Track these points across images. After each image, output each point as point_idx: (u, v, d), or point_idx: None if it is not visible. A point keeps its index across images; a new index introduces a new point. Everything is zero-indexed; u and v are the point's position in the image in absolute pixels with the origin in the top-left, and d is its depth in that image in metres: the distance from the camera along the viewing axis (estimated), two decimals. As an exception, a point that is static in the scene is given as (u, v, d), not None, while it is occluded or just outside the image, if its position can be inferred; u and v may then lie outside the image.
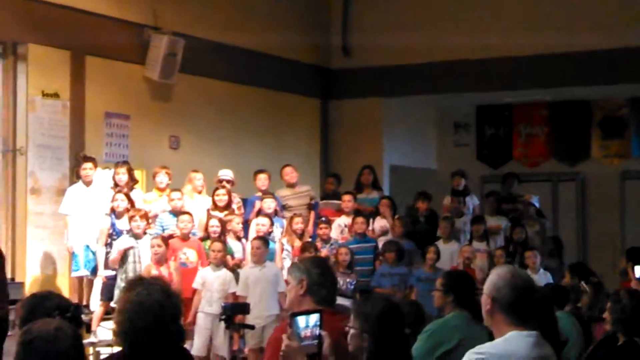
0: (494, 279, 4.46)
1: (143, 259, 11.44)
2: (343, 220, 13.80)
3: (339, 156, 17.69)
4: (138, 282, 4.47)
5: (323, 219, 13.52)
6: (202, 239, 12.24)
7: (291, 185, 13.96)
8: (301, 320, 4.35)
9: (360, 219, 13.50)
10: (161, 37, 13.84)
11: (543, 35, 15.88)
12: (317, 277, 5.27)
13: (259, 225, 12.48)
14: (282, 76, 16.66)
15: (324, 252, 12.71)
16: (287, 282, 5.47)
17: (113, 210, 11.92)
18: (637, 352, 6.53)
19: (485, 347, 4.36)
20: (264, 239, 11.90)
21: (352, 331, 4.81)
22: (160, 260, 11.24)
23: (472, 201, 15.46)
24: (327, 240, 13.14)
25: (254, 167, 14.04)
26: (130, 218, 11.63)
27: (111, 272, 11.63)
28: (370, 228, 13.83)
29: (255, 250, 11.64)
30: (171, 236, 11.95)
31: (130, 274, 11.32)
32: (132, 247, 11.45)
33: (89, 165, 12.11)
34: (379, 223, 14.02)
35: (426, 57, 16.78)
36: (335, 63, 17.96)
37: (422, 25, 16.87)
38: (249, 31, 15.74)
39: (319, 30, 17.73)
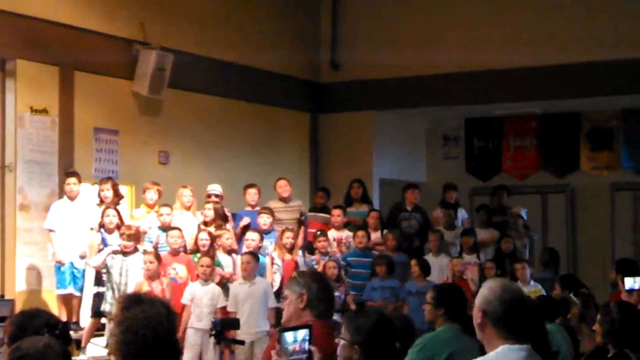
0: (484, 292, 4.45)
1: (130, 274, 11.42)
2: (332, 234, 13.81)
3: (329, 170, 17.71)
4: (138, 299, 4.46)
5: (319, 232, 13.53)
6: (191, 253, 12.23)
7: (284, 199, 13.98)
8: (289, 336, 4.35)
9: (361, 233, 13.55)
10: (150, 52, 13.84)
11: (532, 48, 15.95)
12: (317, 292, 5.34)
13: (249, 240, 12.47)
14: (271, 90, 16.68)
15: (324, 263, 12.72)
16: (285, 297, 5.47)
17: (102, 226, 11.92)
18: (627, 364, 6.54)
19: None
20: (254, 254, 11.90)
21: (342, 342, 4.80)
22: (153, 276, 11.21)
23: (462, 214, 15.52)
24: (325, 253, 13.16)
25: (244, 182, 14.04)
26: (121, 235, 11.61)
27: (102, 289, 11.60)
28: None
29: (245, 265, 11.63)
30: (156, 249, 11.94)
31: (116, 288, 11.32)
32: (113, 252, 11.43)
33: (72, 180, 12.09)
34: (374, 236, 14.07)
35: (415, 71, 16.83)
36: (325, 77, 17.99)
37: (410, 40, 16.92)
38: (238, 46, 15.78)
39: (308, 45, 17.76)
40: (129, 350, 4.23)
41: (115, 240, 11.74)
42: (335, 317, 9.33)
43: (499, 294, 4.40)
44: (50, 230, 12.03)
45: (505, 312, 4.35)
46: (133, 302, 4.38)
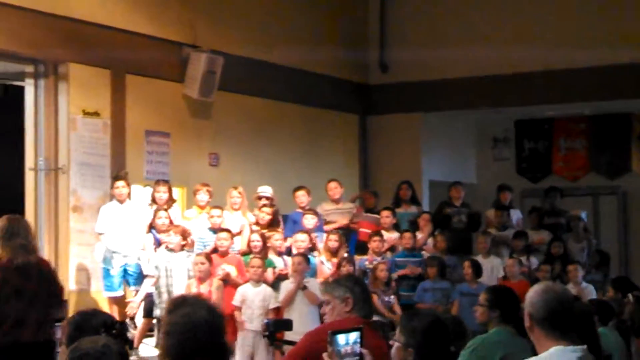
0: (530, 295, 4.51)
1: (175, 274, 11.52)
2: (384, 235, 13.85)
3: (378, 172, 17.69)
4: (182, 302, 4.50)
5: (374, 232, 13.56)
6: (244, 254, 12.29)
7: (335, 201, 14.02)
8: (341, 338, 4.34)
9: (408, 234, 13.59)
10: (200, 55, 13.91)
11: (582, 48, 15.82)
12: (361, 294, 5.39)
13: (297, 242, 12.50)
14: (320, 92, 16.69)
15: (375, 265, 12.73)
16: (327, 302, 5.51)
17: (152, 227, 12.05)
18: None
19: None
20: (305, 256, 11.92)
21: (396, 344, 4.81)
22: (203, 278, 11.28)
23: (516, 215, 15.46)
24: (379, 253, 13.18)
25: (293, 184, 14.08)
26: (167, 233, 11.72)
27: (153, 289, 11.72)
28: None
29: (296, 267, 11.66)
30: (215, 250, 12.02)
31: (163, 289, 11.43)
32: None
33: (121, 183, 12.18)
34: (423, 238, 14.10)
35: (464, 72, 16.77)
36: (374, 79, 17.97)
37: (459, 40, 16.86)
38: (287, 48, 15.80)
39: (356, 46, 17.75)
40: (172, 354, 4.28)
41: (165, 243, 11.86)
42: (376, 317, 9.35)
43: (542, 295, 4.46)
44: (100, 234, 12.14)
45: (549, 312, 4.39)
46: (176, 306, 4.42)
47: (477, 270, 12.87)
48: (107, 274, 12.08)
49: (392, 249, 13.76)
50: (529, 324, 4.45)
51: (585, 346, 4.37)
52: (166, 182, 12.71)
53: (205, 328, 4.18)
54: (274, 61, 15.55)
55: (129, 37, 13.33)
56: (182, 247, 11.77)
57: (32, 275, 8.42)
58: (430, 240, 14.06)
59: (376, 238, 13.31)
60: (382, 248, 13.32)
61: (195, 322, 4.20)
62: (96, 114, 12.87)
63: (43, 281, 8.49)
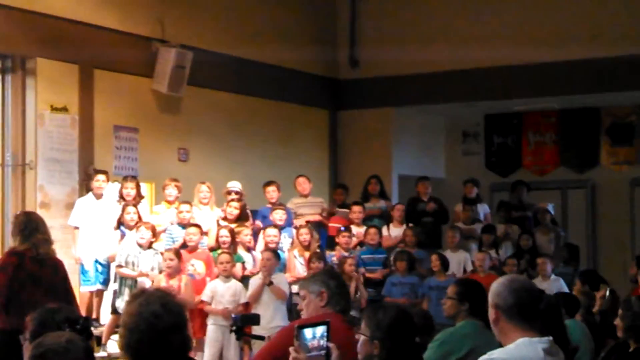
0: (495, 287, 4.49)
1: (143, 270, 11.50)
2: (354, 230, 13.86)
3: (348, 166, 17.70)
4: (139, 294, 4.47)
5: (343, 228, 13.59)
6: (212, 249, 12.27)
7: (304, 196, 14.05)
8: (308, 332, 4.33)
9: (373, 230, 13.59)
10: (169, 50, 13.86)
11: (551, 43, 15.89)
12: (336, 288, 5.38)
13: (270, 236, 12.49)
14: (290, 88, 16.67)
15: (342, 260, 12.74)
16: (303, 297, 5.50)
17: (121, 223, 12.00)
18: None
19: (497, 352, 4.36)
20: (275, 251, 11.92)
21: (362, 338, 4.81)
22: (172, 274, 11.26)
23: (484, 209, 15.53)
24: (348, 249, 13.20)
25: (263, 179, 14.07)
26: (137, 228, 11.70)
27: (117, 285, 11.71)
28: (385, 234, 14.06)
29: (265, 262, 11.65)
30: (184, 245, 11.99)
31: (128, 284, 11.41)
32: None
33: (102, 177, 12.16)
34: (394, 232, 14.10)
35: (434, 67, 16.79)
36: (344, 74, 17.97)
37: (429, 36, 16.88)
38: (257, 43, 15.77)
39: (327, 42, 17.75)
40: (127, 347, 4.24)
41: (134, 238, 11.82)
42: (353, 312, 9.35)
43: (508, 285, 4.44)
44: (75, 228, 12.08)
45: (516, 301, 4.38)
46: (133, 298, 4.39)
47: (445, 263, 12.94)
48: (82, 268, 12.03)
49: (362, 244, 13.78)
50: (495, 316, 4.41)
51: (551, 337, 4.37)
52: (134, 178, 12.67)
53: (152, 320, 4.13)
54: (243, 56, 15.52)
55: (97, 32, 13.25)
56: (151, 245, 11.75)
57: (49, 266, 8.45)
58: (400, 233, 14.10)
59: (345, 234, 13.33)
60: (350, 244, 13.34)
61: (143, 313, 4.15)
62: (64, 109, 12.80)
63: (60, 275, 8.50)
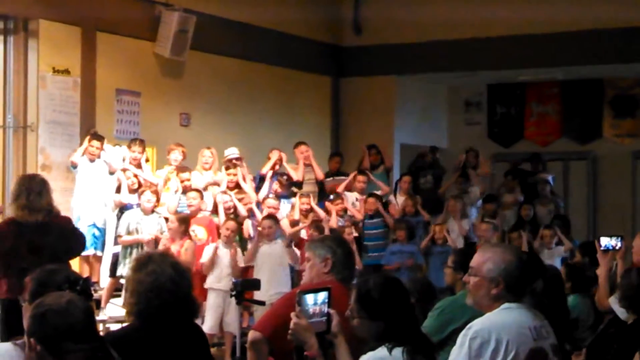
0: (476, 257, 4.50)
1: (144, 235, 11.50)
2: (354, 195, 13.89)
3: (350, 134, 17.66)
4: (147, 261, 4.47)
5: (332, 196, 13.60)
6: (211, 213, 12.28)
7: (306, 165, 14.00)
8: (309, 298, 4.31)
9: (372, 199, 13.60)
10: (172, 13, 13.79)
11: (555, 12, 15.78)
12: (342, 257, 5.33)
13: (270, 206, 12.48)
14: (293, 53, 16.60)
15: (345, 229, 12.78)
16: (308, 259, 5.45)
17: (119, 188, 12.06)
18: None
19: (475, 323, 4.39)
20: (275, 218, 11.92)
21: (360, 320, 4.69)
22: (175, 238, 11.25)
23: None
24: (342, 215, 13.21)
25: (264, 144, 14.08)
26: (141, 193, 11.69)
27: (119, 248, 11.69)
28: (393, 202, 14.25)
29: (267, 230, 11.63)
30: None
31: (133, 249, 11.41)
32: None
33: (96, 144, 12.09)
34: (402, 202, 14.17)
35: (438, 35, 16.70)
36: (347, 40, 17.89)
37: (434, 3, 16.77)
38: (261, 8, 15.67)
39: (330, 8, 17.65)
40: (136, 311, 4.25)
41: (134, 200, 11.83)
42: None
43: (492, 257, 4.45)
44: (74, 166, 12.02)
45: (506, 274, 4.40)
46: (142, 264, 4.39)
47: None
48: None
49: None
50: (476, 282, 4.45)
51: (526, 304, 4.43)
52: (142, 141, 12.64)
53: (171, 285, 4.16)
54: (246, 21, 15.44)
55: (101, -5, 13.20)
56: (153, 209, 11.73)
57: (50, 231, 8.31)
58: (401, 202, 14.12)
59: (338, 201, 13.38)
60: (343, 208, 13.35)
61: (161, 280, 4.18)
62: (66, 71, 12.76)
63: (59, 237, 8.38)
